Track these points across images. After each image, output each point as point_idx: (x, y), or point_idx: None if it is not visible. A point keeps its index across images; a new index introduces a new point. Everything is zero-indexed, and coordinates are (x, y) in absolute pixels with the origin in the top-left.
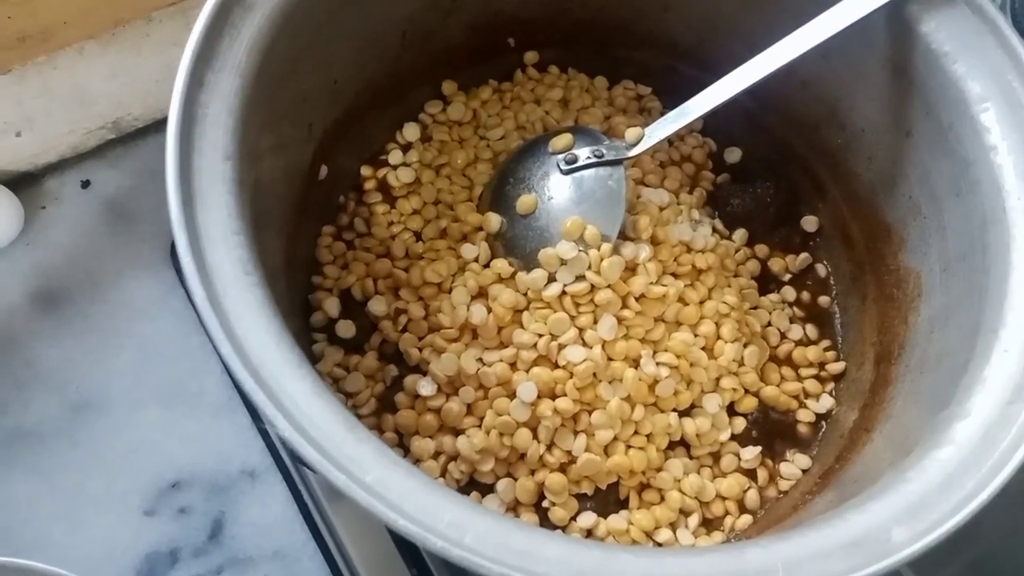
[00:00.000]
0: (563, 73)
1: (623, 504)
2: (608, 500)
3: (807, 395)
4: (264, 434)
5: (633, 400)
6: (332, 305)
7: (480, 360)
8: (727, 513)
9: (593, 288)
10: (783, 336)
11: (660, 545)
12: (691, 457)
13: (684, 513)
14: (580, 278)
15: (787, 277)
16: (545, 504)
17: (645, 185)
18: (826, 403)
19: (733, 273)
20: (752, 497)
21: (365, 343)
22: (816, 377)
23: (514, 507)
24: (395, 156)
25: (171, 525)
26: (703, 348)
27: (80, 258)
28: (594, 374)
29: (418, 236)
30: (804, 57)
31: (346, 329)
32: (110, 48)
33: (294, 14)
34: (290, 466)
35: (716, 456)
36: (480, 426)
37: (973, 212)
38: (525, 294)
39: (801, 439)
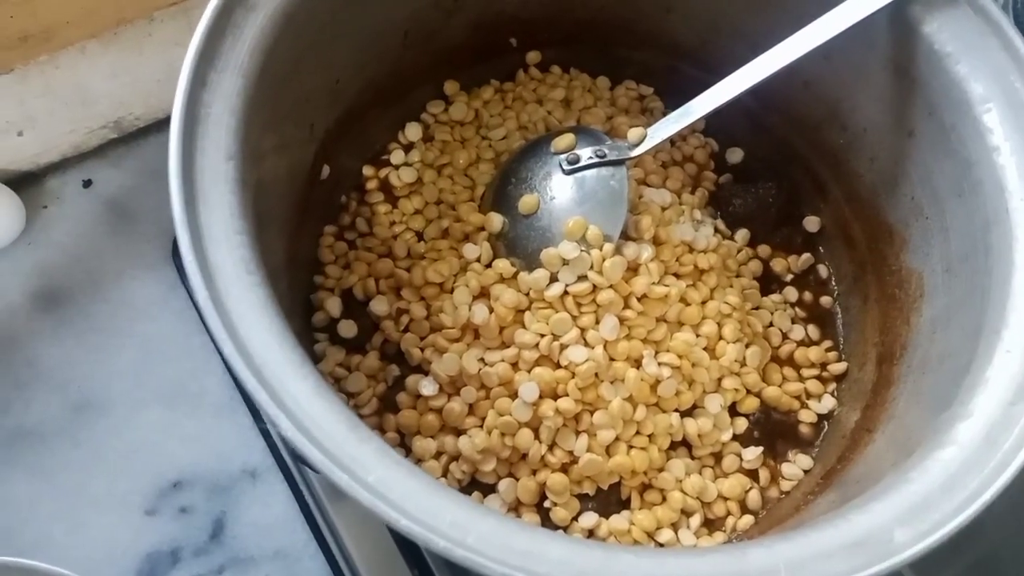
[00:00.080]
0: (565, 73)
1: (625, 504)
2: (610, 500)
3: (809, 395)
4: (265, 434)
5: (635, 400)
6: (334, 305)
7: (482, 360)
8: (729, 513)
9: (595, 288)
10: (785, 336)
11: (662, 545)
12: (693, 457)
13: (686, 513)
14: (582, 278)
15: (789, 277)
16: (547, 504)
17: (647, 185)
18: (828, 403)
19: (735, 273)
20: (754, 497)
21: (367, 343)
22: (818, 377)
23: (516, 507)
24: (397, 156)
25: (172, 525)
26: (705, 348)
27: (81, 258)
28: (596, 374)
29: (420, 236)
30: (806, 58)
31: (348, 329)
32: (112, 47)
33: (296, 14)
34: (291, 466)
35: (718, 456)
36: (482, 426)
37: (975, 213)
38: (527, 294)
39: (803, 439)
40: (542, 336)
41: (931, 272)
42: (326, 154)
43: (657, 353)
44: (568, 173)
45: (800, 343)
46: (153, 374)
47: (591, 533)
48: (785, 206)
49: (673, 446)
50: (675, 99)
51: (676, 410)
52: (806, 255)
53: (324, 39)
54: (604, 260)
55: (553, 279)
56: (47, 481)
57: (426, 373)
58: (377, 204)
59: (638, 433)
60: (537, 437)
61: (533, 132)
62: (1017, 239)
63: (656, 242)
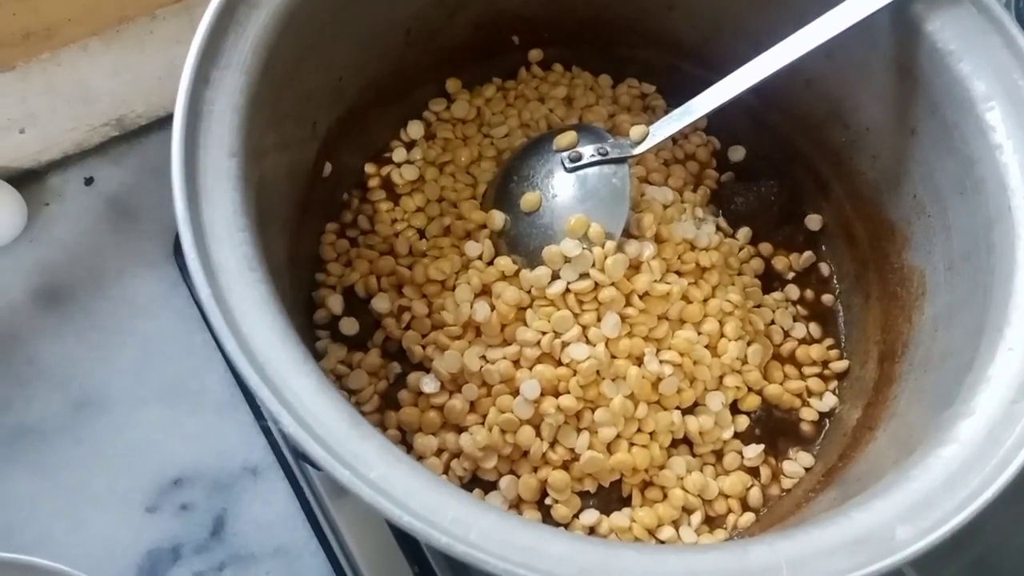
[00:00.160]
0: (567, 71)
1: (626, 502)
2: (611, 498)
3: (810, 393)
4: (266, 431)
5: (636, 398)
6: (336, 302)
7: (483, 357)
8: (730, 511)
9: (597, 286)
10: (786, 334)
11: (663, 543)
12: (694, 455)
13: (687, 511)
14: (584, 276)
15: (791, 275)
16: (548, 501)
17: (649, 183)
18: (829, 401)
19: (737, 271)
20: (755, 495)
21: (368, 340)
22: (819, 375)
23: (517, 504)
24: (399, 154)
25: (173, 522)
26: (706, 346)
27: (83, 255)
28: (597, 372)
29: (422, 234)
30: (808, 56)
31: (349, 326)
32: (114, 45)
33: (299, 12)
34: (292, 463)
35: (719, 454)
36: (483, 423)
37: (978, 211)
38: (529, 292)
39: (804, 437)
40: (544, 334)
41: (933, 270)
42: (328, 152)
43: (659, 351)
44: (570, 171)
45: (802, 341)
46: (154, 372)
47: (592, 530)
48: (787, 204)
49: (674, 444)
50: (677, 97)
51: (677, 408)
52: (808, 253)
53: (326, 37)
54: (606, 258)
55: (555, 277)
56: (48, 478)
57: (428, 370)
58: (379, 202)
59: (639, 431)
60: (538, 434)
61: (535, 130)
62: (1019, 237)
63: (658, 240)
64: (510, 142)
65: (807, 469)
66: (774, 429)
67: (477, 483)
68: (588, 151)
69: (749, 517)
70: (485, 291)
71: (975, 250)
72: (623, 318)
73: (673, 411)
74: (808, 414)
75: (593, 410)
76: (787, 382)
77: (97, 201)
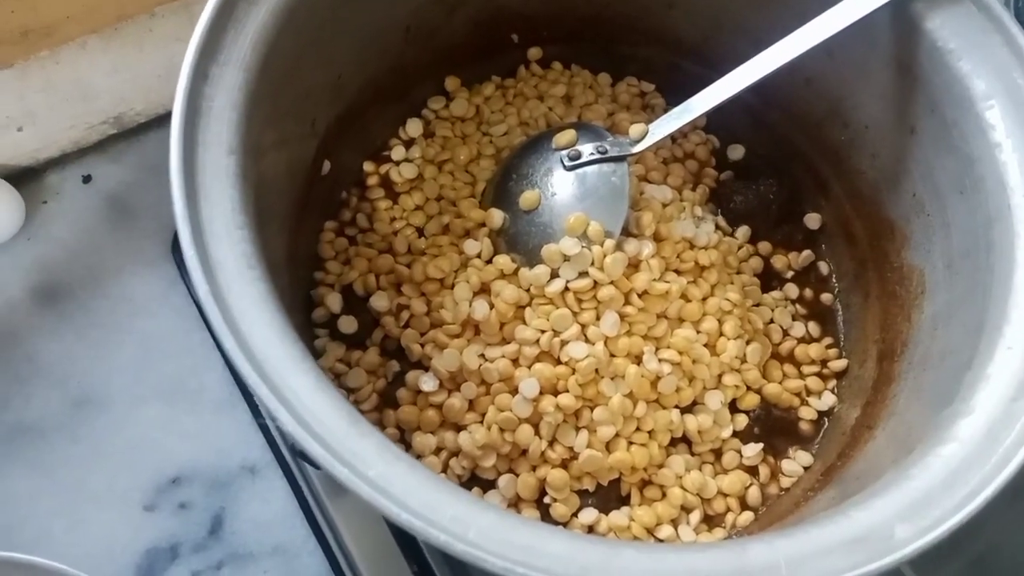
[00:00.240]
0: (566, 69)
1: (624, 500)
2: (609, 496)
3: (809, 392)
4: (264, 430)
5: (635, 396)
6: (334, 301)
7: (482, 356)
8: (728, 510)
9: (596, 284)
10: (785, 333)
11: (661, 542)
12: (693, 454)
13: (685, 510)
14: (583, 274)
15: (790, 274)
16: (546, 500)
17: (648, 182)
18: (828, 400)
19: (736, 270)
20: (754, 494)
21: (367, 339)
22: (818, 374)
23: (515, 503)
24: (398, 152)
25: (171, 520)
26: (705, 345)
27: (81, 253)
28: (596, 370)
29: (420, 232)
30: (808, 54)
31: (348, 325)
32: (113, 43)
33: (298, 9)
34: (290, 462)
35: (718, 453)
36: (482, 422)
37: (977, 209)
38: (528, 290)
39: (803, 436)
40: (543, 332)
41: (932, 269)
42: (327, 150)
43: (657, 349)
44: (569, 169)
45: (801, 340)
46: (153, 370)
47: (591, 529)
48: (786, 203)
49: (673, 442)
50: (676, 96)
51: (676, 406)
52: (807, 252)
53: (326, 35)
54: (605, 256)
55: (554, 275)
56: (47, 477)
57: (426, 369)
58: (378, 200)
59: (638, 429)
60: (537, 433)
61: (534, 128)
62: (1019, 235)
63: (657, 238)
64: (509, 140)
65: (806, 468)
66: (773, 428)
67: (476, 482)
68: (587, 149)
69: (748, 516)
70: (484, 289)
71: (974, 249)
72: (622, 316)
73: (672, 410)
74: (807, 413)
75: (592, 409)
76: (786, 381)
77: (95, 199)
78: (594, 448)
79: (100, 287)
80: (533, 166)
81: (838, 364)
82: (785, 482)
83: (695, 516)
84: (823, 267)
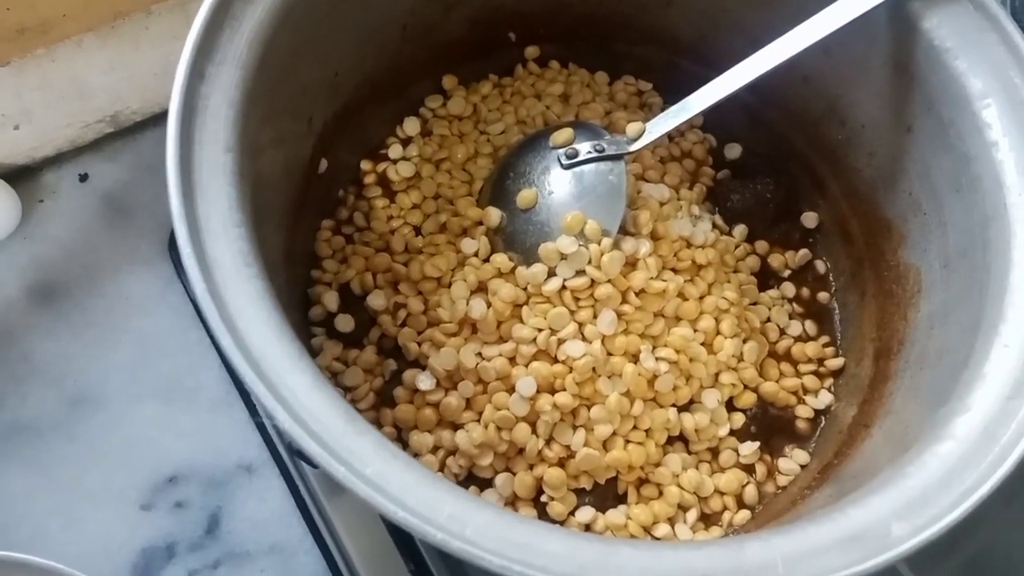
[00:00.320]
0: (564, 68)
1: (621, 499)
2: (606, 495)
3: (806, 391)
4: (261, 429)
5: (632, 395)
6: (331, 299)
7: (479, 355)
8: (725, 508)
9: (593, 283)
10: (782, 332)
11: (658, 540)
12: (690, 452)
13: (682, 508)
14: (580, 273)
15: (787, 273)
16: (543, 499)
17: (645, 180)
18: (825, 399)
19: (733, 269)
20: (750, 492)
21: (364, 337)
22: (815, 373)
23: (512, 502)
24: (395, 150)
25: (168, 519)
26: (702, 343)
27: (77, 252)
28: (593, 369)
29: (418, 230)
30: (806, 53)
31: (345, 323)
32: (109, 41)
33: (295, 7)
34: (287, 461)
35: (715, 451)
36: (479, 420)
37: (974, 208)
38: (525, 289)
39: (800, 435)
40: (540, 331)
41: (929, 268)
42: (324, 148)
43: (655, 348)
44: (566, 168)
45: (797, 339)
46: (149, 369)
47: (588, 528)
48: (783, 202)
49: (670, 441)
50: (674, 95)
51: (673, 405)
52: (804, 251)
53: (323, 32)
54: (602, 255)
55: (551, 274)
56: (43, 476)
57: (423, 368)
58: (375, 198)
59: (635, 428)
60: (534, 432)
61: (531, 127)
62: (1015, 235)
63: (654, 237)
64: (506, 139)
65: (803, 466)
66: (770, 426)
67: (473, 480)
68: (584, 148)
69: (745, 514)
70: (481, 288)
71: (971, 247)
72: (619, 315)
73: (669, 408)
74: (804, 411)
75: (589, 407)
76: (783, 379)
77: (92, 198)
78: (591, 447)
79: (96, 286)
80: (530, 165)
81: (835, 363)
82: (782, 480)
83: (692, 514)
84: (820, 266)
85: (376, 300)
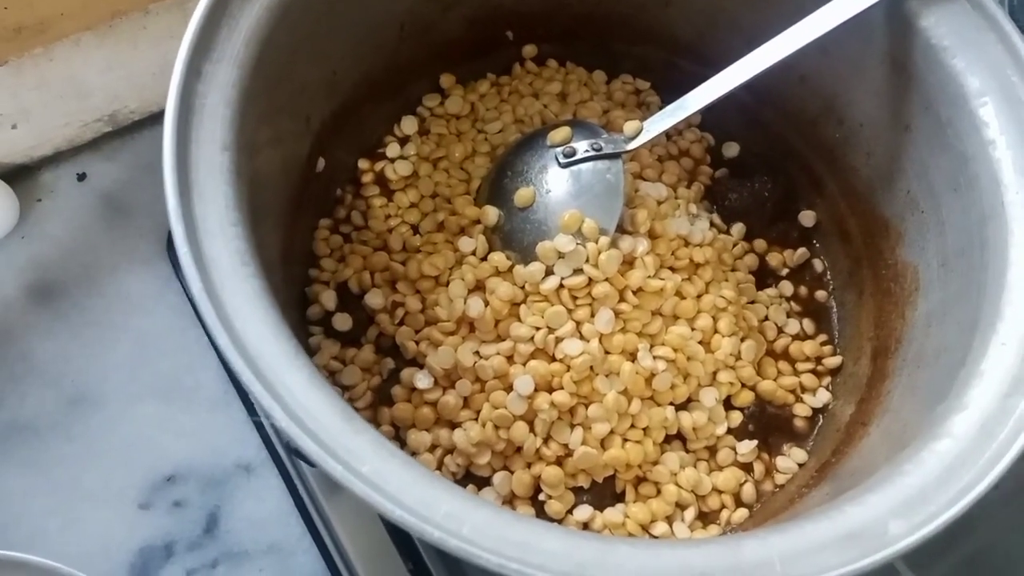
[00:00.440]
0: (561, 67)
1: (619, 497)
2: (604, 493)
3: (804, 389)
4: (259, 428)
5: (630, 394)
6: (329, 298)
7: (477, 353)
8: (723, 507)
9: (591, 281)
10: (780, 330)
11: (656, 538)
12: (687, 451)
13: (680, 507)
14: (578, 271)
15: (784, 272)
16: (541, 497)
17: (643, 179)
18: (823, 397)
19: (730, 267)
20: (748, 491)
21: (362, 336)
22: (813, 371)
23: (510, 500)
24: (393, 149)
25: (166, 519)
26: (700, 342)
27: (76, 251)
28: (591, 367)
29: (415, 229)
30: (803, 52)
31: (343, 322)
32: (107, 40)
33: (293, 5)
34: (285, 460)
35: (712, 450)
36: (477, 419)
37: (971, 207)
38: (522, 287)
39: (797, 433)
40: (537, 329)
41: (927, 266)
42: (322, 147)
43: (652, 347)
44: (564, 166)
45: (795, 337)
46: (148, 368)
47: (586, 526)
48: (781, 201)
49: (668, 439)
50: (671, 93)
51: (671, 403)
52: (802, 249)
53: (320, 31)
54: (600, 253)
55: (549, 272)
56: (41, 475)
57: (421, 366)
58: (372, 197)
59: (633, 426)
60: (532, 430)
61: (529, 126)
62: (1012, 233)
63: (652, 236)
64: (504, 138)
65: (800, 465)
66: (767, 425)
67: (471, 479)
68: (582, 147)
69: (742, 512)
70: (479, 287)
71: (968, 246)
72: (617, 314)
73: (666, 407)
74: (801, 410)
75: (587, 406)
76: (780, 378)
77: (90, 197)
78: (589, 445)
79: (95, 285)
80: (528, 163)
81: (832, 361)
82: (780, 479)
83: (690, 513)
84: (818, 264)
85: (374, 299)
